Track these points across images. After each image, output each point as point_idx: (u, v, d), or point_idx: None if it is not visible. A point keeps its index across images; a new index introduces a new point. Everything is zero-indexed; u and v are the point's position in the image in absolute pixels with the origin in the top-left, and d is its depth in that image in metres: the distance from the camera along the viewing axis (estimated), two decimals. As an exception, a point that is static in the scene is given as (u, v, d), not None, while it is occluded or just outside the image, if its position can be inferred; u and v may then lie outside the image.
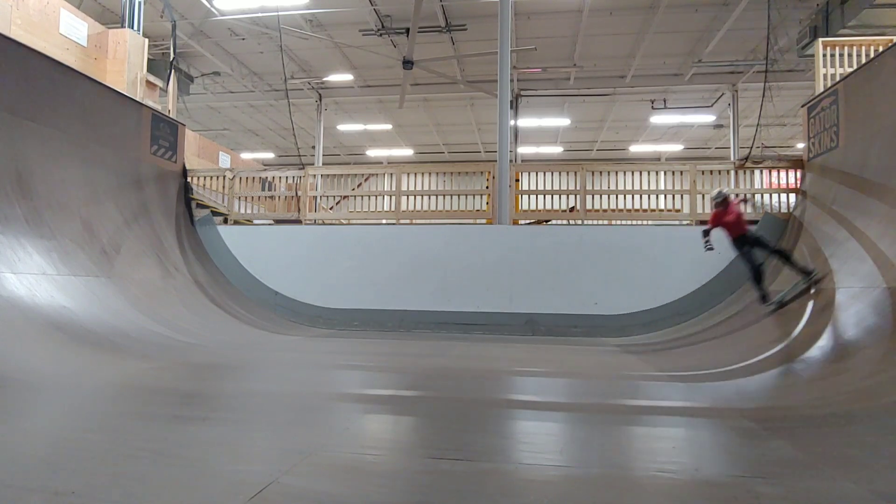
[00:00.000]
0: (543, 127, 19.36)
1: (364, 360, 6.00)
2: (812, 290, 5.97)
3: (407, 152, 23.10)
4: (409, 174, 10.37)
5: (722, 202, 6.74)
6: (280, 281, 9.63)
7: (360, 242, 9.76)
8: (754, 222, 8.63)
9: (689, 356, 6.17)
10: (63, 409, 3.41)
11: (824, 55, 8.47)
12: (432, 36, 13.06)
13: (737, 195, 7.28)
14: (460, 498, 2.03)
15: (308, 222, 10.35)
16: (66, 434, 2.80)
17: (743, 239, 6.63)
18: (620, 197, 9.47)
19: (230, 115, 19.57)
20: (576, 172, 9.61)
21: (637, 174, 9.50)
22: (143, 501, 1.92)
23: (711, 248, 6.77)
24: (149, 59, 10.75)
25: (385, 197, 10.39)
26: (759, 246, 6.60)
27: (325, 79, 16.07)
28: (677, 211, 9.40)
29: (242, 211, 10.92)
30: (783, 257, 6.53)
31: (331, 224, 11.57)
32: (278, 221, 10.61)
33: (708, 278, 8.54)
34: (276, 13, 11.49)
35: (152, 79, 10.57)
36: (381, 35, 13.20)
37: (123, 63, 9.99)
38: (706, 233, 6.81)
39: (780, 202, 8.84)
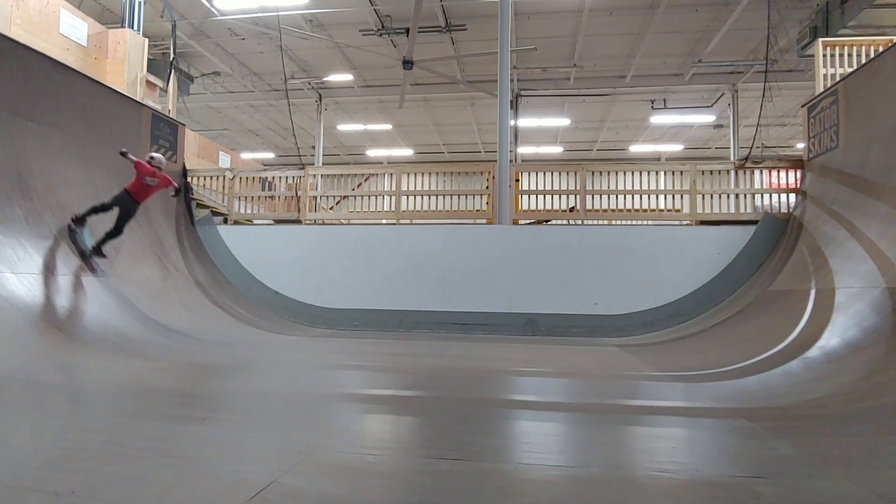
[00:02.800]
0: (543, 127, 19.36)
1: (364, 360, 6.00)
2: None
3: (407, 152, 23.10)
4: (409, 174, 10.37)
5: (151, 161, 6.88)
6: (280, 281, 9.63)
7: (360, 242, 9.76)
8: (755, 222, 8.66)
9: (689, 356, 6.16)
10: (63, 409, 3.41)
11: (824, 55, 8.47)
12: (432, 36, 13.07)
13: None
14: (460, 498, 2.03)
15: (308, 222, 10.35)
16: (66, 434, 2.80)
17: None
18: (620, 197, 9.47)
19: (230, 115, 19.58)
20: (576, 172, 9.61)
21: (637, 174, 9.51)
22: (143, 501, 1.92)
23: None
24: (149, 59, 10.76)
25: (385, 197, 10.39)
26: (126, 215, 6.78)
27: (325, 79, 16.07)
28: (677, 211, 9.40)
29: (242, 211, 10.91)
30: (113, 232, 6.74)
31: (331, 224, 11.57)
32: (278, 221, 10.61)
33: (708, 278, 8.54)
34: (276, 13, 11.50)
35: (152, 79, 10.58)
36: (381, 35, 13.21)
37: (123, 63, 10.00)
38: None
39: (780, 202, 8.84)
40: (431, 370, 5.20)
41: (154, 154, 7.02)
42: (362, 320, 9.20)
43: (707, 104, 17.14)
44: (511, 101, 13.46)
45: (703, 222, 9.03)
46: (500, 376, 5.10)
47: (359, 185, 12.54)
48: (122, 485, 2.05)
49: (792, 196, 8.68)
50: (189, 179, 10.20)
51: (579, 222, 9.67)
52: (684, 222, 9.42)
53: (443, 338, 8.00)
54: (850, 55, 8.33)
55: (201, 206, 10.35)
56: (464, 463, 2.41)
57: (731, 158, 15.42)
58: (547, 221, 10.13)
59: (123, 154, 6.76)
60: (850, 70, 7.75)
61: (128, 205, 6.77)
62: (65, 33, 9.32)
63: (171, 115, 10.32)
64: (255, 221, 11.14)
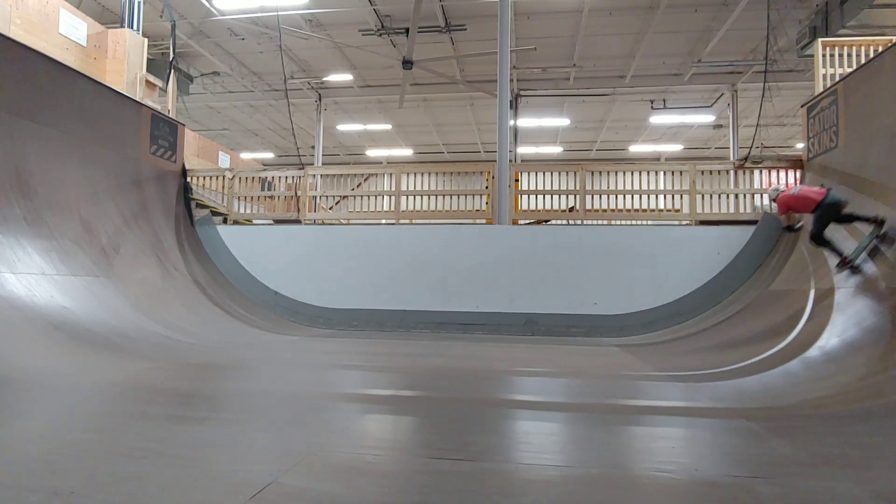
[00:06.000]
0: (543, 127, 19.36)
1: (364, 360, 6.00)
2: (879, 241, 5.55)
3: (407, 152, 23.09)
4: (408, 174, 10.37)
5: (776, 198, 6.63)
6: (280, 281, 9.63)
7: (360, 242, 9.76)
8: (754, 222, 8.65)
9: (689, 356, 6.17)
10: (63, 409, 3.41)
11: (824, 55, 8.47)
12: (432, 36, 13.06)
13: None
14: (460, 498, 2.03)
15: (308, 222, 10.35)
16: (66, 434, 2.80)
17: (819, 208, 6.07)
18: (620, 197, 9.47)
19: (230, 115, 19.57)
20: (575, 172, 9.61)
21: (637, 174, 9.50)
22: (143, 501, 1.92)
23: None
24: (148, 58, 10.75)
25: (385, 197, 10.39)
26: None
27: (324, 79, 16.07)
28: (677, 211, 9.40)
29: (242, 211, 10.91)
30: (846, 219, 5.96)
31: (331, 224, 11.57)
32: (278, 221, 10.61)
33: (708, 278, 8.54)
34: (276, 13, 11.50)
35: (152, 79, 10.57)
36: (380, 35, 13.20)
37: (123, 63, 9.99)
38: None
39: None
40: (431, 370, 5.20)
41: (775, 187, 6.91)
42: (362, 320, 9.20)
43: (707, 104, 17.14)
44: (511, 101, 13.46)
45: (702, 222, 9.03)
46: (499, 376, 5.10)
47: (358, 185, 12.55)
48: (122, 485, 2.05)
49: (792, 196, 8.66)
50: (189, 179, 10.20)
51: (579, 222, 9.67)
52: (684, 222, 9.42)
53: (443, 338, 7.99)
54: (849, 55, 8.33)
55: (201, 206, 10.35)
56: (464, 463, 2.41)
57: (731, 158, 15.41)
58: (547, 221, 10.13)
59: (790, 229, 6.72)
60: (850, 70, 7.74)
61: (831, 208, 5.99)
62: (64, 33, 9.32)
63: (170, 115, 10.32)
64: (255, 221, 11.14)
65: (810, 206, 6.13)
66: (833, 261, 5.99)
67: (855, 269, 5.60)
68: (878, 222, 5.57)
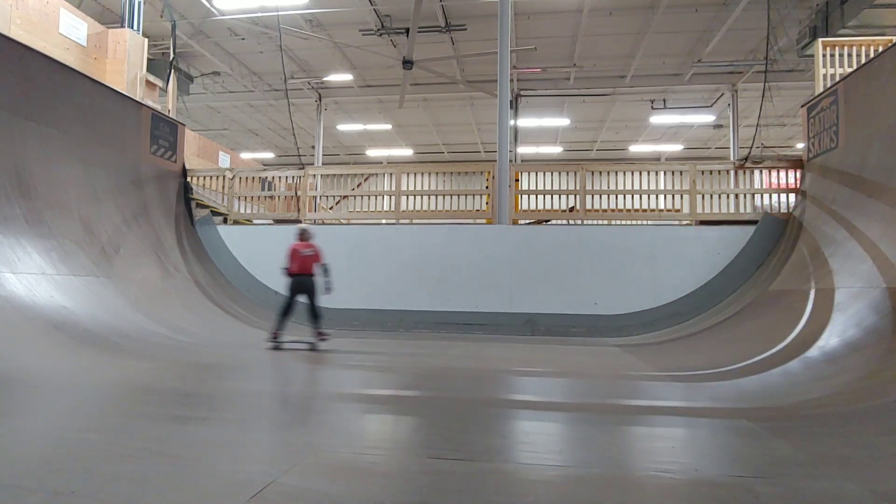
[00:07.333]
0: (543, 127, 19.36)
1: (364, 360, 6.00)
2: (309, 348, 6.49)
3: (407, 152, 23.10)
4: (408, 174, 10.36)
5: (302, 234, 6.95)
6: (280, 281, 9.57)
7: (360, 242, 9.76)
8: (754, 222, 8.65)
9: (688, 356, 6.17)
10: (63, 409, 3.41)
11: (824, 55, 8.47)
12: (432, 36, 13.06)
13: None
14: (460, 498, 2.03)
15: (308, 222, 10.34)
16: (66, 434, 2.80)
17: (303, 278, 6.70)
18: (620, 197, 9.47)
19: (230, 114, 19.57)
20: (576, 172, 9.60)
21: (637, 174, 9.50)
22: (143, 501, 1.92)
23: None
24: (148, 58, 10.75)
25: (385, 197, 10.38)
26: (310, 293, 6.70)
27: (324, 79, 16.07)
28: (677, 211, 9.40)
29: (242, 211, 10.90)
30: (314, 315, 6.72)
31: (331, 224, 11.56)
32: (278, 221, 10.61)
33: (707, 278, 8.54)
34: (276, 13, 11.49)
35: (152, 79, 10.57)
36: (381, 35, 13.20)
37: (123, 63, 9.99)
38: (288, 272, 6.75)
39: (779, 202, 8.84)
40: (431, 370, 5.20)
41: (303, 227, 7.14)
42: (362, 320, 9.19)
43: (707, 104, 17.14)
44: (511, 101, 13.45)
45: (702, 222, 9.03)
46: (500, 376, 5.10)
47: (358, 185, 12.53)
48: (122, 485, 2.05)
49: (792, 196, 8.68)
50: (189, 179, 10.19)
51: (579, 222, 9.66)
52: (684, 222, 9.42)
53: (443, 338, 7.99)
54: (849, 55, 8.32)
55: (201, 205, 10.35)
56: (464, 463, 2.41)
57: (731, 158, 15.42)
58: (547, 221, 10.12)
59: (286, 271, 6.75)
60: (850, 70, 7.74)
61: (300, 283, 6.73)
62: (64, 33, 9.32)
63: (170, 115, 10.32)
64: (255, 221, 11.14)
65: (290, 267, 6.69)
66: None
67: (276, 343, 6.46)
68: (321, 337, 6.60)
